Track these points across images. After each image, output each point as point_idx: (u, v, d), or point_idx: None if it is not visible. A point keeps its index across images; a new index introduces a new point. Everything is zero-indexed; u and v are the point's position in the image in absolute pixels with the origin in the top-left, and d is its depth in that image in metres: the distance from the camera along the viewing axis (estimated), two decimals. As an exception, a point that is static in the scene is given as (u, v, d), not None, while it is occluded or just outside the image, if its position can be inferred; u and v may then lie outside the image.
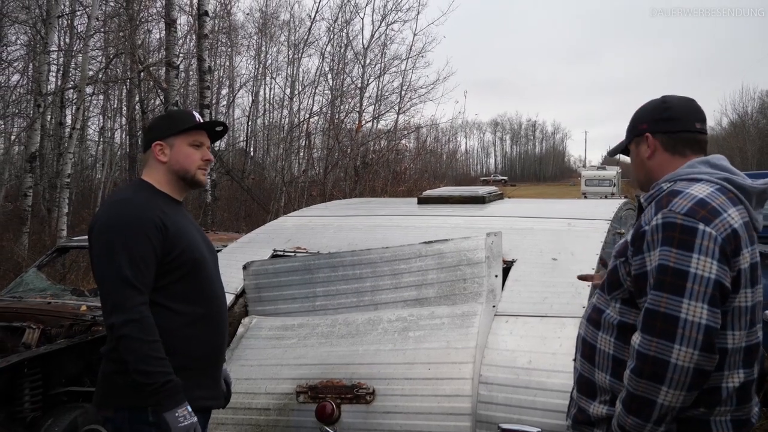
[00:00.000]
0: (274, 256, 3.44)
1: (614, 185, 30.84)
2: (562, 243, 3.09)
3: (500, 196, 4.22)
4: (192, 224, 2.30)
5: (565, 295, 2.71)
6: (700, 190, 1.71)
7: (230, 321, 3.20)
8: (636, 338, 1.64)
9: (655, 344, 1.59)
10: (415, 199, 4.26)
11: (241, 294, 3.27)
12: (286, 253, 3.44)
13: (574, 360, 1.98)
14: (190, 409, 2.02)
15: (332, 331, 2.95)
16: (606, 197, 23.33)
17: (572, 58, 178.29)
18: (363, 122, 16.00)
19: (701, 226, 1.62)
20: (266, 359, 2.92)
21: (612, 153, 2.13)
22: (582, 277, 2.31)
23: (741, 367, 1.70)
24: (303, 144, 16.39)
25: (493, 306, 2.77)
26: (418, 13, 17.24)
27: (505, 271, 2.93)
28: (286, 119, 18.78)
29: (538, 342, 2.53)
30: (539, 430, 2.34)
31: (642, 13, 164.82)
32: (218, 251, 3.85)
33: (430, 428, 2.51)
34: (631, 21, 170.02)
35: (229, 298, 3.21)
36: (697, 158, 1.84)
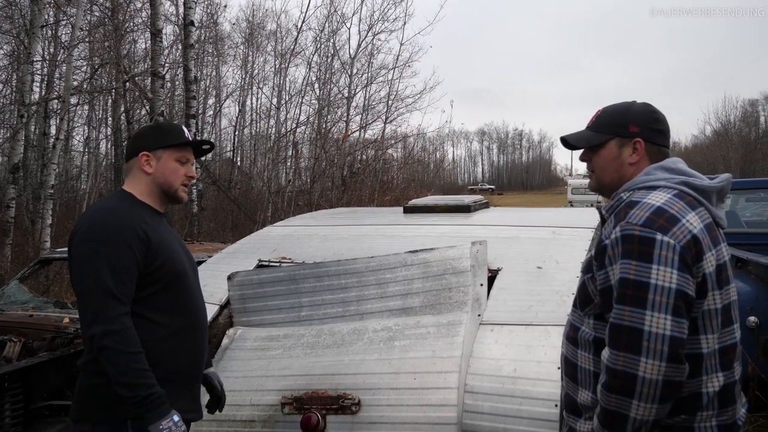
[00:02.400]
0: (259, 267, 3.43)
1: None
2: (547, 251, 3.10)
3: (486, 205, 4.23)
4: (173, 236, 2.28)
5: (550, 303, 2.72)
6: (657, 198, 1.69)
7: (215, 332, 3.18)
8: (605, 353, 1.62)
9: (623, 358, 1.57)
10: (401, 209, 4.26)
11: (225, 305, 3.24)
12: (271, 264, 3.43)
13: (561, 379, 1.95)
14: (176, 419, 1.99)
15: (318, 341, 2.94)
16: (592, 205, 23.42)
17: (556, 69, 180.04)
18: (350, 132, 16.00)
19: (659, 236, 1.60)
20: (251, 370, 2.90)
21: (576, 142, 1.91)
22: None
23: (719, 370, 1.67)
24: (290, 154, 16.38)
25: (479, 315, 2.77)
26: (405, 23, 17.31)
27: (491, 280, 2.93)
28: (273, 129, 18.77)
29: (524, 351, 2.53)
30: (525, 439, 2.34)
31: (624, 25, 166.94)
32: (203, 262, 3.85)
33: (416, 438, 2.49)
34: (614, 32, 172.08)
35: (214, 309, 3.19)
36: (652, 165, 1.81)
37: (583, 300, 1.79)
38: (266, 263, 3.44)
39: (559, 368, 2.43)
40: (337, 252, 3.38)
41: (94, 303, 1.97)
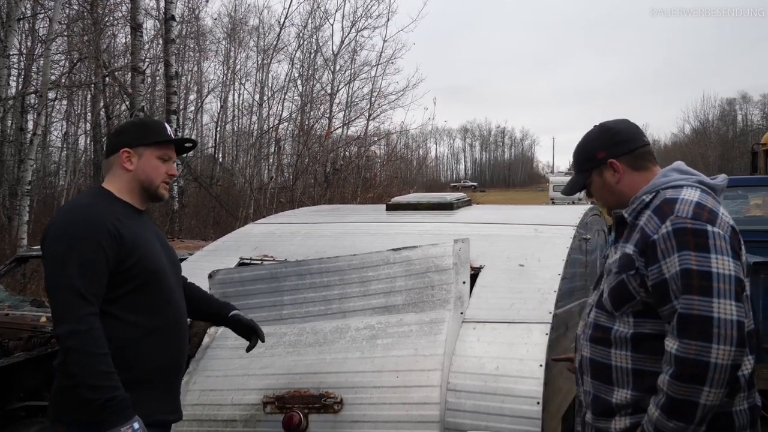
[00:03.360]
0: (240, 265, 3.40)
1: (581, 191, 31.34)
2: (529, 249, 3.11)
3: (468, 203, 4.24)
4: (153, 234, 2.24)
5: (532, 301, 2.73)
6: (691, 195, 1.79)
7: (195, 331, 3.14)
8: (672, 344, 1.66)
9: (694, 347, 1.62)
10: (384, 206, 4.25)
11: (206, 303, 3.21)
12: (252, 261, 3.40)
13: (579, 384, 1.97)
14: (136, 426, 1.93)
15: (300, 339, 2.92)
16: (573, 203, 23.65)
17: (538, 66, 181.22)
18: (333, 128, 15.95)
19: (709, 227, 1.70)
20: (232, 369, 2.87)
21: (570, 191, 2.11)
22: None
23: (749, 354, 1.75)
24: (273, 150, 16.29)
25: (461, 313, 2.77)
26: (388, 20, 17.27)
27: (473, 278, 2.93)
28: (255, 125, 18.65)
29: (506, 348, 2.54)
30: (507, 436, 2.35)
31: (605, 23, 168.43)
32: (184, 260, 3.80)
33: (398, 437, 2.49)
34: (594, 30, 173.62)
35: (194, 308, 3.16)
36: (664, 168, 1.93)
37: (620, 298, 1.82)
38: (248, 261, 3.41)
39: (541, 365, 2.46)
40: (320, 250, 3.36)
41: (61, 302, 1.95)
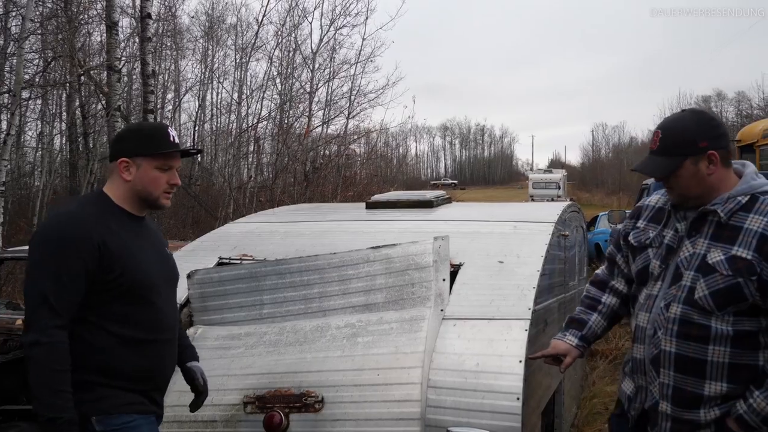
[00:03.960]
0: (219, 264, 3.37)
1: (560, 188, 31.63)
2: (508, 246, 3.13)
3: (448, 200, 4.26)
4: (150, 242, 2.15)
5: (512, 297, 2.75)
6: None
7: (174, 332, 3.12)
8: None
9: None
10: (364, 204, 4.25)
11: (185, 304, 3.18)
12: (231, 261, 3.38)
13: (650, 376, 2.05)
14: None
15: (280, 339, 2.91)
16: (552, 200, 23.86)
17: (515, 64, 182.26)
18: (312, 127, 15.89)
19: None
20: (212, 370, 2.84)
21: (660, 173, 2.02)
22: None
23: None
24: (252, 149, 16.18)
25: (441, 310, 2.78)
26: (367, 17, 17.20)
27: (453, 275, 2.94)
28: (234, 124, 18.52)
29: (486, 345, 2.55)
30: (487, 432, 2.36)
31: (581, 22, 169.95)
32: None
33: (380, 434, 2.49)
34: (570, 30, 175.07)
35: (173, 309, 3.13)
36: (748, 169, 2.02)
37: (728, 300, 1.90)
38: (227, 261, 3.39)
39: (521, 361, 2.48)
40: (299, 248, 3.35)
41: (30, 309, 1.91)
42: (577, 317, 2.35)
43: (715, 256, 1.92)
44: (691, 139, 1.96)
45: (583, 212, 4.93)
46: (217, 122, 23.68)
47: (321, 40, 17.60)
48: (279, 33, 17.43)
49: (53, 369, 1.85)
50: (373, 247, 3.07)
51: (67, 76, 14.22)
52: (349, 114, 17.43)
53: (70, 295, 1.91)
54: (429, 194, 4.18)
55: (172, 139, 2.10)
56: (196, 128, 22.21)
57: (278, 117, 16.93)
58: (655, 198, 2.24)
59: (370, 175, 17.91)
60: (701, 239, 1.97)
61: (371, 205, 4.13)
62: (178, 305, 2.26)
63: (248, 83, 18.47)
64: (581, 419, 4.35)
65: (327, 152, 15.86)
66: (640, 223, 2.20)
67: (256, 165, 15.73)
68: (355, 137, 18.37)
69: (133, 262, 2.02)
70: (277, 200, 12.25)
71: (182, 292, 3.21)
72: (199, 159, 21.32)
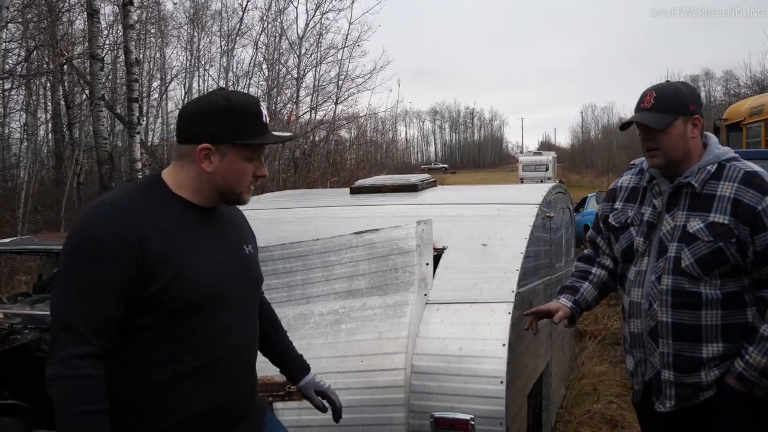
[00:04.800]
0: (201, 253, 3.32)
1: (549, 170, 31.66)
2: (492, 228, 3.10)
3: (433, 184, 4.22)
4: (223, 241, 1.70)
5: (495, 280, 2.73)
6: (755, 166, 2.06)
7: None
8: None
9: None
10: (348, 190, 4.20)
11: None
12: (214, 250, 3.33)
13: (650, 347, 2.13)
14: None
15: (263, 327, 2.88)
16: (542, 181, 23.88)
17: (505, 47, 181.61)
18: (298, 113, 15.77)
19: None
20: (194, 360, 2.82)
21: (656, 123, 2.06)
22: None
23: None
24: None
25: (425, 294, 2.76)
26: (353, 1, 17.09)
27: (436, 259, 2.92)
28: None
29: (469, 329, 2.53)
30: (472, 416, 2.35)
31: (569, 3, 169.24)
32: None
33: (364, 421, 2.48)
34: (558, 11, 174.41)
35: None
36: (712, 139, 2.14)
37: (713, 264, 2.01)
38: (209, 249, 3.34)
39: (504, 345, 2.46)
40: (282, 235, 3.31)
41: (51, 334, 1.51)
42: (569, 285, 2.41)
43: (695, 225, 2.04)
44: (683, 100, 2.08)
45: (570, 194, 4.91)
46: (204, 110, 23.41)
47: (307, 25, 17.47)
48: (264, 18, 17.27)
49: (79, 410, 1.44)
50: (356, 233, 3.03)
51: (49, 65, 14.01)
52: (337, 99, 17.35)
53: (101, 315, 1.49)
54: (413, 178, 4.14)
55: (264, 119, 1.67)
56: (183, 116, 21.97)
57: (266, 103, 16.79)
58: (626, 178, 2.34)
59: (358, 161, 17.84)
60: (680, 212, 2.09)
61: (355, 191, 4.09)
62: (257, 316, 1.80)
63: (234, 70, 18.29)
64: (570, 400, 4.36)
65: (315, 138, 15.77)
66: (618, 205, 2.30)
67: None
68: (344, 122, 18.30)
69: (187, 267, 1.57)
70: (265, 187, 12.17)
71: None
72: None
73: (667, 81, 2.19)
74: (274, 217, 3.68)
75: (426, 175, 4.33)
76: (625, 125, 2.18)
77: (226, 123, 1.61)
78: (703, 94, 51.28)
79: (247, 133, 1.62)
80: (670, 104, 2.07)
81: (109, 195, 1.63)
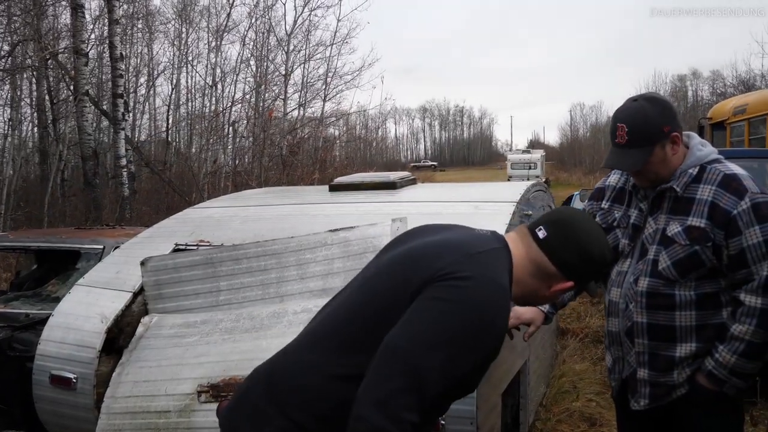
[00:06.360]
0: (176, 251, 3.29)
1: (535, 167, 31.73)
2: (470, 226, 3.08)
3: (413, 182, 4.19)
4: None
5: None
6: (737, 169, 2.06)
7: (128, 320, 3.04)
8: (756, 300, 1.95)
9: None
10: (327, 187, 4.17)
11: (139, 292, 3.10)
12: (188, 247, 3.29)
13: (626, 347, 2.15)
14: None
15: (236, 326, 2.85)
16: (528, 179, 23.91)
17: (493, 45, 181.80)
18: (276, 110, 15.68)
19: None
20: (166, 359, 2.79)
21: (634, 167, 2.07)
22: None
23: None
24: (227, 133, 15.94)
25: (399, 293, 2.73)
26: (342, -2, 16.99)
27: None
28: (207, 108, 18.25)
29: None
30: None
31: (558, 1, 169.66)
32: (116, 248, 3.67)
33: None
34: (548, 9, 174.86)
35: (126, 297, 3.05)
36: (694, 140, 2.12)
37: (689, 267, 2.02)
38: (183, 247, 3.30)
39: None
40: (258, 233, 3.28)
41: (390, 379, 1.32)
42: None
43: (674, 228, 2.05)
44: (656, 127, 2.04)
45: (559, 191, 4.89)
46: (192, 106, 23.32)
47: (295, 21, 17.34)
48: (252, 14, 17.15)
49: None
50: (331, 230, 3.01)
51: (33, 60, 13.85)
52: (325, 96, 17.26)
53: (438, 397, 1.36)
54: (393, 175, 4.11)
55: None
56: (169, 112, 21.85)
57: (254, 100, 16.70)
58: (615, 178, 2.33)
59: (344, 158, 17.79)
60: (662, 215, 2.09)
61: (334, 188, 4.06)
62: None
63: (221, 66, 18.17)
64: (550, 398, 4.36)
65: (303, 135, 15.70)
66: (605, 204, 2.30)
67: (231, 148, 15.51)
68: (333, 119, 18.23)
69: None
70: (252, 184, 12.10)
71: (136, 279, 3.13)
72: (176, 143, 21.04)
73: (633, 99, 2.10)
74: (250, 215, 3.65)
75: (406, 173, 4.31)
76: (607, 167, 2.18)
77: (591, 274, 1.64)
78: (690, 93, 51.67)
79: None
80: (644, 137, 2.03)
81: (499, 266, 1.51)
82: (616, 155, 2.09)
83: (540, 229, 1.60)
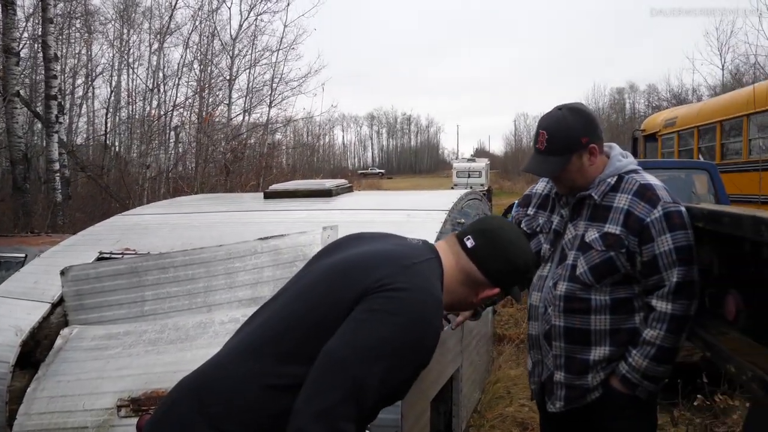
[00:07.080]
0: (99, 260, 3.17)
1: (480, 176, 32.23)
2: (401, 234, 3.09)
3: (349, 189, 4.19)
4: None
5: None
6: (652, 179, 2.13)
7: (46, 333, 2.92)
8: (666, 305, 2.01)
9: (686, 305, 2.01)
10: (262, 194, 4.12)
11: (59, 302, 2.98)
12: (113, 256, 3.18)
13: (544, 349, 2.21)
14: None
15: (161, 337, 2.76)
16: (471, 187, 24.27)
17: (439, 54, 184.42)
18: (215, 115, 15.44)
19: (682, 207, 2.06)
20: (85, 372, 2.68)
21: (550, 173, 2.16)
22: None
23: None
24: (168, 137, 15.58)
25: (328, 302, 2.71)
26: (288, 3, 16.88)
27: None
28: (147, 112, 17.78)
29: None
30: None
31: (502, 12, 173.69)
32: (37, 257, 3.51)
33: None
34: (490, 20, 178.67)
35: (44, 308, 2.92)
36: (614, 151, 2.19)
37: (605, 272, 2.08)
38: (107, 255, 3.19)
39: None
40: (186, 241, 3.20)
41: (333, 391, 1.34)
42: None
43: (591, 235, 2.12)
44: (575, 137, 2.11)
45: (500, 199, 4.96)
46: (132, 109, 22.69)
47: (241, 26, 17.15)
48: (195, 17, 16.84)
49: None
50: (261, 239, 2.96)
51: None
52: (270, 102, 17.09)
53: (375, 407, 1.41)
54: (329, 183, 4.10)
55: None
56: (108, 115, 21.20)
57: (197, 104, 16.37)
58: (541, 186, 2.41)
59: (294, 164, 17.66)
60: (581, 221, 2.17)
61: (269, 195, 4.01)
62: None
63: (163, 69, 17.75)
64: (484, 404, 4.41)
65: (247, 140, 15.49)
66: (530, 211, 2.38)
67: (173, 154, 15.16)
68: (278, 125, 18.06)
69: None
70: (188, 191, 11.85)
71: (56, 290, 3.01)
72: (114, 148, 20.40)
73: (558, 108, 2.16)
74: (180, 222, 3.56)
75: (342, 180, 4.30)
76: (526, 171, 2.25)
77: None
78: (627, 106, 53.67)
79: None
80: (562, 145, 2.10)
81: (432, 281, 1.55)
82: (536, 161, 2.17)
83: (468, 239, 1.66)
